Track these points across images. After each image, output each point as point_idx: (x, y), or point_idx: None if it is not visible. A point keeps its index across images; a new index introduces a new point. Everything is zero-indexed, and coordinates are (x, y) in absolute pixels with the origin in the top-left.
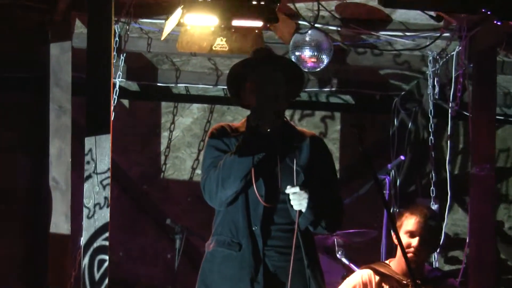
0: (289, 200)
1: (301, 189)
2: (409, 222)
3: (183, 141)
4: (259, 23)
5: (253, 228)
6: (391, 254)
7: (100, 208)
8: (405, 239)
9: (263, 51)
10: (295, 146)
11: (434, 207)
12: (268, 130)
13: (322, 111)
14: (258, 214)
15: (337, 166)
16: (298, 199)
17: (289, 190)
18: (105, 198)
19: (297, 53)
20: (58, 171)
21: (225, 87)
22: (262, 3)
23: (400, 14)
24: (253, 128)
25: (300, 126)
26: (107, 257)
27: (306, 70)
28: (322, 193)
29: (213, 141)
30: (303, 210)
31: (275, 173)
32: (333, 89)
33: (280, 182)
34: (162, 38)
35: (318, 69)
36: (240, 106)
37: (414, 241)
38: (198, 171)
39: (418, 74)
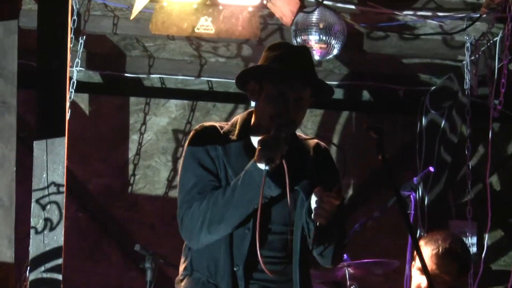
0: (308, 205)
1: (337, 199)
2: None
3: (156, 147)
4: (253, 0)
5: (235, 269)
6: None
7: (52, 229)
8: (416, 277)
9: (289, 50)
10: (300, 166)
11: (471, 231)
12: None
13: (331, 110)
14: (242, 251)
15: (349, 180)
16: (323, 210)
17: (323, 194)
18: (59, 217)
19: (301, 38)
20: (0, 183)
21: (210, 79)
22: None
23: None
24: (257, 167)
25: (302, 129)
26: None
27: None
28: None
29: (196, 150)
30: (319, 223)
31: (282, 209)
32: (346, 83)
33: (291, 213)
34: (132, 17)
35: (328, 58)
36: (243, 90)
37: (424, 282)
38: (175, 184)
39: (453, 64)
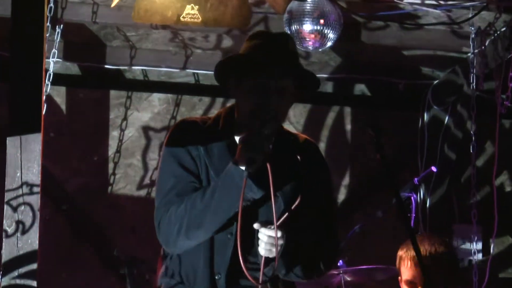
0: (257, 238)
1: (281, 234)
2: (403, 266)
3: (138, 144)
4: None
5: (216, 277)
6: None
7: (25, 232)
8: None
9: (268, 38)
10: (285, 169)
11: (476, 236)
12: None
13: (325, 105)
14: (225, 258)
15: (345, 181)
16: (269, 244)
17: (262, 230)
18: (33, 219)
19: (294, 27)
20: None
21: (196, 71)
22: None
23: None
24: (237, 167)
25: (294, 126)
26: None
27: (305, 49)
28: (306, 231)
29: (175, 149)
30: (271, 256)
31: (268, 211)
32: (342, 76)
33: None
34: (113, 5)
35: (323, 49)
36: (224, 86)
37: None
38: None
39: (457, 56)
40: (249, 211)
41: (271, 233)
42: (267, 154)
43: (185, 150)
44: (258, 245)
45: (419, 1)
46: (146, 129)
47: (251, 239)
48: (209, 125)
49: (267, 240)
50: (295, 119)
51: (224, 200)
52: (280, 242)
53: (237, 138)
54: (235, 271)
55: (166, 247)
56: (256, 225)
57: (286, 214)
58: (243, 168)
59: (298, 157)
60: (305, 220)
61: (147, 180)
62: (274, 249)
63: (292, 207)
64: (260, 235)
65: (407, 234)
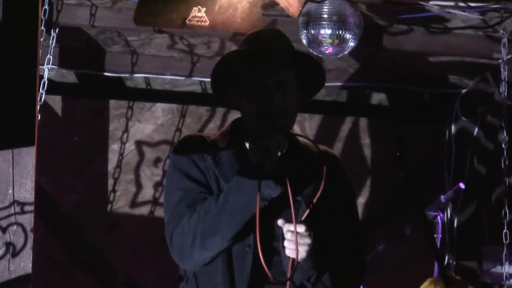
0: (283, 240)
1: (306, 229)
2: None
3: (140, 158)
4: None
5: None
6: None
7: (17, 254)
8: None
9: (263, 35)
10: (304, 172)
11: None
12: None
13: (342, 115)
14: (245, 274)
15: (364, 198)
16: (293, 243)
17: (285, 226)
18: (25, 240)
19: (310, 31)
20: None
21: (203, 79)
22: None
23: None
24: (251, 165)
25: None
26: None
27: (323, 55)
28: (332, 240)
29: (181, 162)
30: (299, 259)
31: (285, 218)
32: (361, 84)
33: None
34: (112, 7)
35: (341, 55)
36: (226, 106)
37: None
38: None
39: (487, 62)
40: (267, 219)
41: (292, 227)
42: (281, 147)
43: (192, 162)
44: (282, 247)
45: (446, 3)
46: (148, 142)
47: (271, 253)
48: (215, 138)
49: (292, 237)
50: (310, 131)
51: (240, 200)
52: (307, 240)
53: (247, 145)
54: (259, 285)
55: (182, 263)
56: (280, 222)
57: (307, 211)
58: (256, 159)
59: (316, 167)
60: (329, 230)
61: (149, 198)
62: (301, 248)
63: (312, 207)
64: (284, 233)
65: (433, 258)
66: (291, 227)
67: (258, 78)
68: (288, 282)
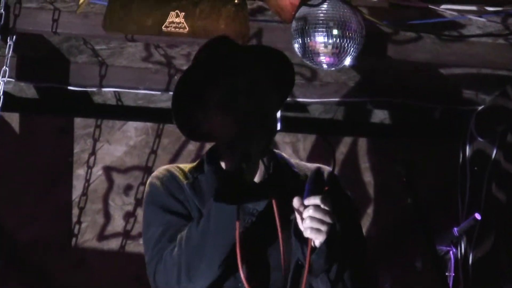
0: (294, 225)
1: (325, 201)
2: None
3: (109, 185)
4: None
5: None
6: None
7: None
8: None
9: (217, 41)
10: (296, 192)
11: None
12: (256, 177)
13: (339, 135)
14: None
15: (366, 230)
16: (317, 220)
17: (306, 201)
18: None
19: (304, 38)
20: None
21: None
22: None
23: None
24: (230, 178)
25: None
26: None
27: (318, 67)
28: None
29: (158, 197)
30: (318, 242)
31: (273, 245)
32: (363, 100)
33: (284, 256)
34: (78, 11)
35: (340, 67)
36: (196, 139)
37: None
38: (136, 233)
39: (507, 74)
40: (258, 249)
41: (318, 201)
42: (261, 156)
43: (169, 195)
44: (294, 232)
45: (460, 7)
46: (119, 167)
47: (265, 286)
48: (193, 167)
49: (314, 213)
50: (304, 153)
51: (223, 216)
52: (330, 219)
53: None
54: None
55: None
56: (295, 200)
57: None
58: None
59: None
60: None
61: (120, 230)
62: (323, 228)
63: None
64: (299, 209)
65: None
66: (311, 200)
67: (226, 84)
68: (306, 270)
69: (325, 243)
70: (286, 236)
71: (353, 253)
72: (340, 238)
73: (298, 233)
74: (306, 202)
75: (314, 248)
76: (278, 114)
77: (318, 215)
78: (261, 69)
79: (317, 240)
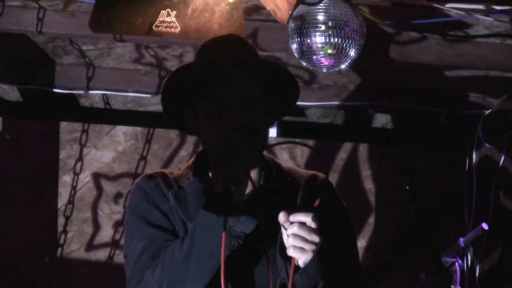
0: (280, 242)
1: (315, 222)
2: None
3: (97, 193)
4: None
5: None
6: None
7: None
8: None
9: (220, 43)
10: (286, 205)
11: None
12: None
13: (339, 140)
14: None
15: (365, 242)
16: (301, 239)
17: (291, 217)
18: None
19: (301, 40)
20: None
21: None
22: None
23: None
24: (217, 197)
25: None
26: None
27: (317, 69)
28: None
29: (140, 207)
30: (301, 262)
31: (260, 264)
32: (363, 103)
33: (272, 280)
34: (64, 9)
35: (339, 69)
36: (186, 131)
37: None
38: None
39: None
40: (244, 263)
41: (305, 218)
42: (248, 173)
43: (152, 206)
44: (279, 248)
45: (466, 6)
46: (107, 174)
47: None
48: (180, 173)
49: (299, 231)
50: (302, 160)
51: (207, 240)
52: (316, 238)
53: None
54: None
55: None
56: (281, 215)
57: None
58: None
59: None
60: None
61: (108, 240)
62: (307, 247)
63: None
64: (285, 225)
65: None
66: (297, 217)
67: (219, 92)
68: None
69: (310, 262)
70: (274, 252)
71: (344, 268)
72: (329, 255)
73: (283, 250)
74: (291, 218)
75: (298, 268)
76: (274, 130)
77: (303, 233)
78: (258, 84)
79: (301, 259)
